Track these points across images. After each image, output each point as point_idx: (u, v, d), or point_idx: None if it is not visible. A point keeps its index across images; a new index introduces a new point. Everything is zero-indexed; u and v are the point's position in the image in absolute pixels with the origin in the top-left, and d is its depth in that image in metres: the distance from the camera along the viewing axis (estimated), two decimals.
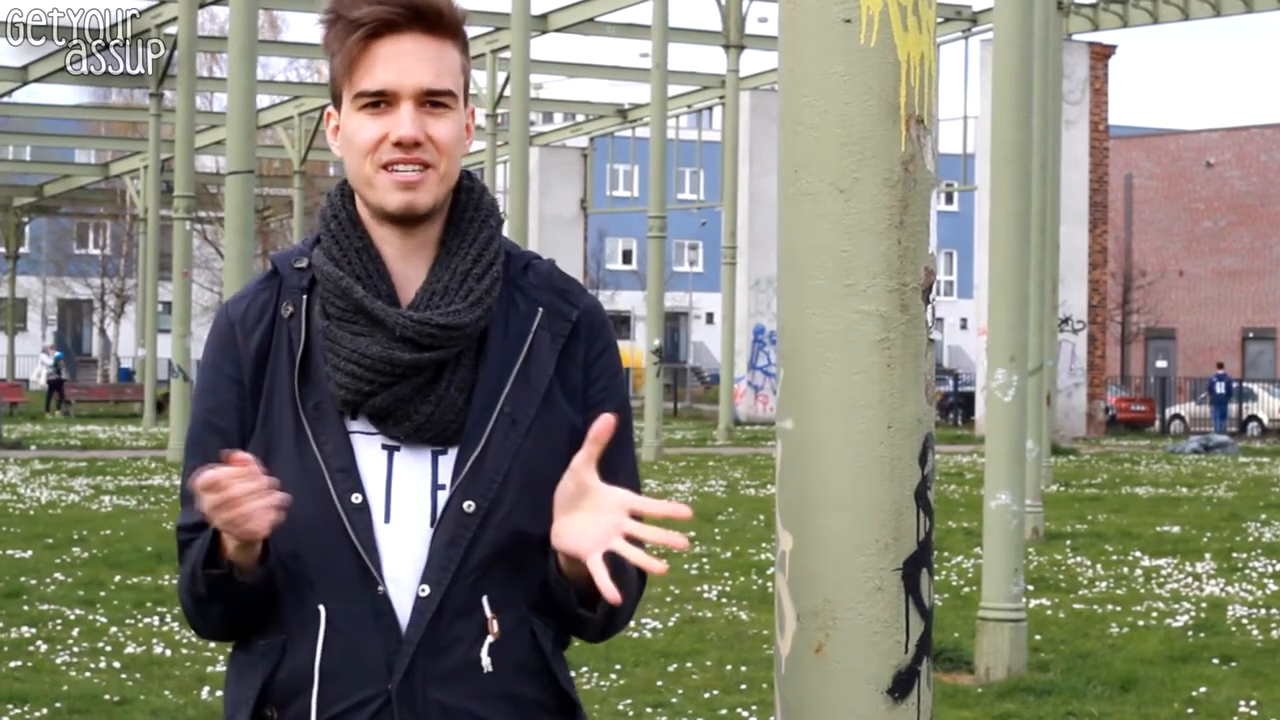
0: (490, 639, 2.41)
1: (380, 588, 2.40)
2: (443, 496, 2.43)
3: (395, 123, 2.42)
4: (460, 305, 2.44)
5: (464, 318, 2.43)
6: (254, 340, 2.49)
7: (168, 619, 11.26)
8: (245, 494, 2.29)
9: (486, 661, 2.41)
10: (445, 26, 2.44)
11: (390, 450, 2.45)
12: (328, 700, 2.40)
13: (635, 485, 2.53)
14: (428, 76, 2.43)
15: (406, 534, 2.42)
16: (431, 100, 2.44)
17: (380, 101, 2.43)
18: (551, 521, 2.44)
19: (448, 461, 2.44)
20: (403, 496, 2.44)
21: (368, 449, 2.45)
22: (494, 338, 2.48)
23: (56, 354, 48.40)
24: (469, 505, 2.42)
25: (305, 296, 2.49)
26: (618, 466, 2.50)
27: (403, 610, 2.40)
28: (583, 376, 2.51)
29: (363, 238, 2.49)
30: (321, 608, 2.41)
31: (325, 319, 2.46)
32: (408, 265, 2.49)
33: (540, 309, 2.50)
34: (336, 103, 2.50)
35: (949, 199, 68.66)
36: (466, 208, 2.52)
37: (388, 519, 2.43)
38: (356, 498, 2.42)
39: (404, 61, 2.42)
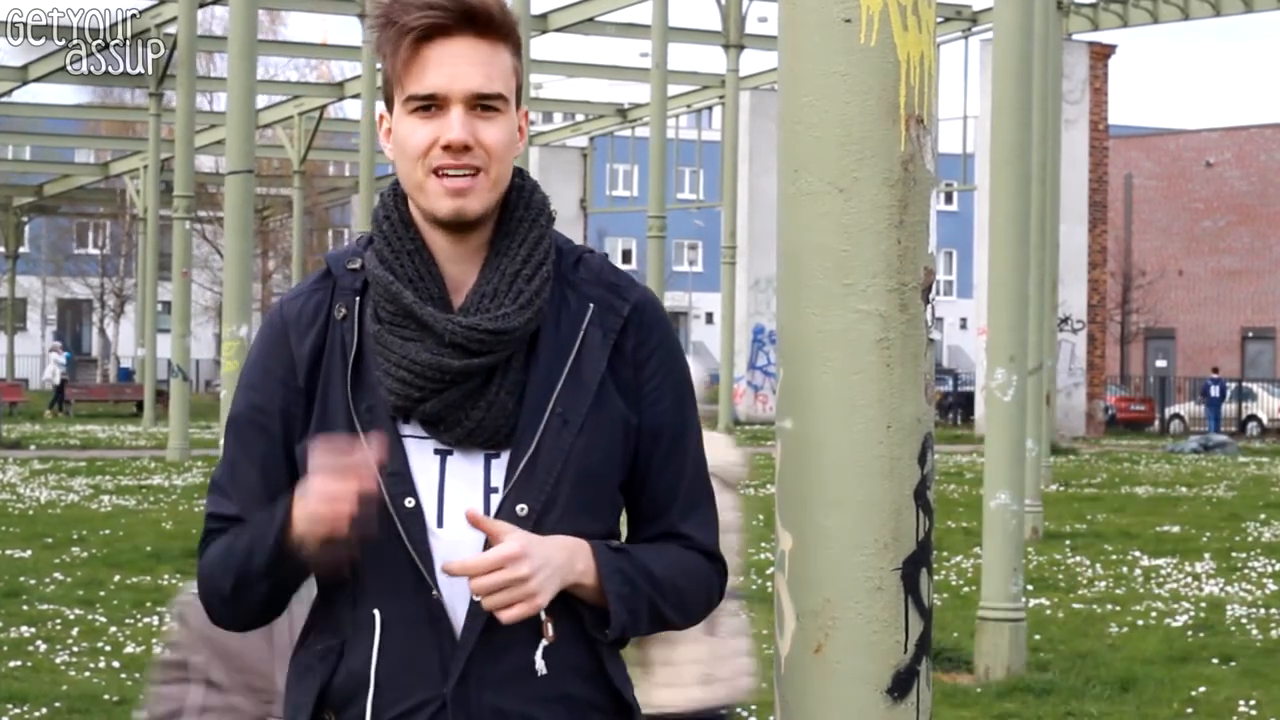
0: (545, 642, 2.40)
1: (434, 592, 2.39)
2: (495, 500, 2.42)
3: (445, 127, 2.40)
4: (509, 308, 2.42)
5: (513, 321, 2.41)
6: (308, 342, 2.48)
7: (167, 619, 11.26)
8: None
9: (541, 664, 2.40)
10: (496, 29, 2.42)
11: (443, 454, 2.44)
12: (383, 705, 2.40)
13: (700, 491, 2.53)
14: (478, 80, 2.41)
15: (459, 538, 2.40)
16: (482, 104, 2.42)
17: (431, 105, 2.41)
18: (608, 517, 2.46)
19: (500, 465, 2.43)
20: (455, 500, 2.42)
21: (420, 453, 2.43)
22: (545, 337, 2.45)
23: (66, 354, 48.33)
24: (522, 509, 2.40)
25: (358, 298, 2.48)
26: (675, 483, 2.50)
27: (457, 614, 2.40)
28: (634, 374, 2.48)
29: (415, 239, 2.47)
30: (376, 612, 2.41)
31: (376, 323, 2.45)
32: (459, 267, 2.47)
33: (591, 305, 2.48)
34: (389, 105, 2.48)
35: (949, 199, 68.64)
36: (517, 207, 2.49)
37: (440, 523, 2.42)
38: (409, 502, 2.41)
39: (455, 65, 2.40)
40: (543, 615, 2.39)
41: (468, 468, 2.43)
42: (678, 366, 2.54)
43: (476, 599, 2.37)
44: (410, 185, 2.45)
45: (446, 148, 2.40)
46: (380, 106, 2.55)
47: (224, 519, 2.50)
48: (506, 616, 2.32)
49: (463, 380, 2.40)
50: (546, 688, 2.41)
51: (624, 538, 2.54)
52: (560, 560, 2.36)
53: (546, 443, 2.41)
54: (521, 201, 2.50)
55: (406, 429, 2.44)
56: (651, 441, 2.49)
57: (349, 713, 2.43)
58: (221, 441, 2.61)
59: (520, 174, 2.51)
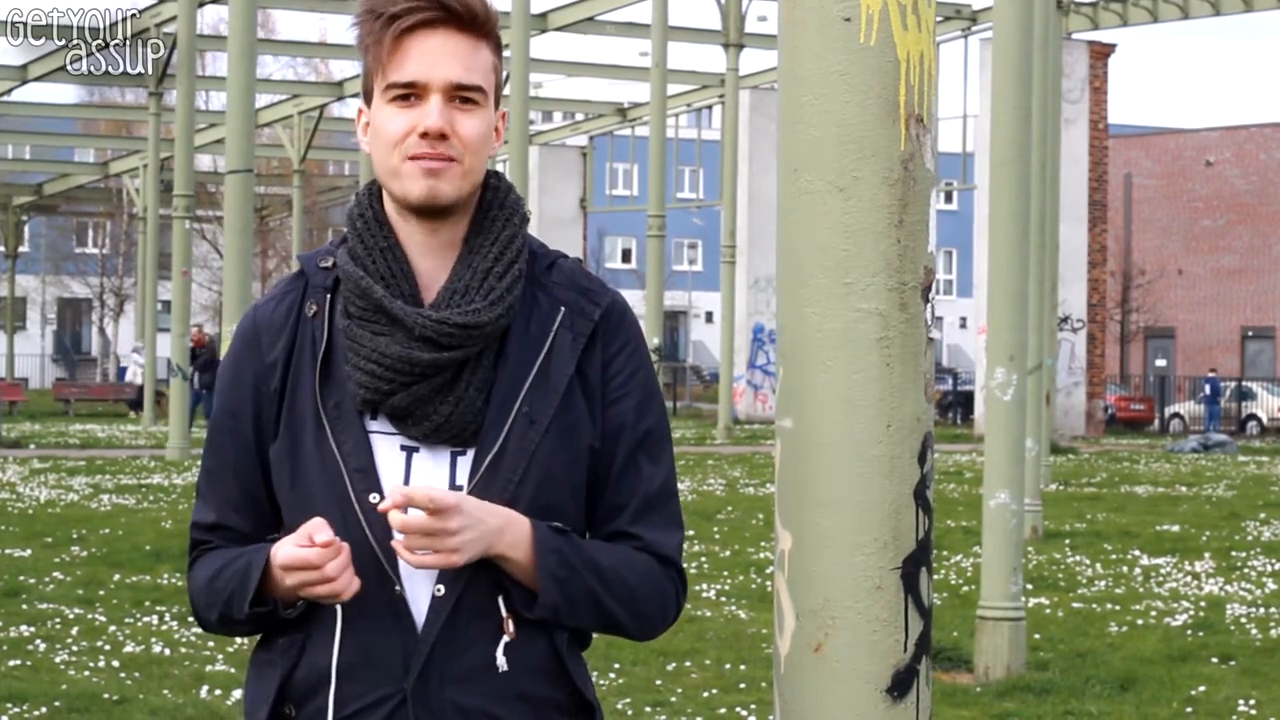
0: (506, 639, 2.42)
1: (397, 587, 2.41)
2: None
3: (423, 115, 2.43)
4: (480, 304, 2.44)
5: (483, 317, 2.43)
6: (280, 344, 2.50)
7: (167, 618, 11.26)
8: (338, 571, 2.34)
9: (502, 661, 2.42)
10: (479, 26, 2.46)
11: (409, 451, 2.46)
12: (344, 698, 2.42)
13: (661, 496, 2.52)
14: (457, 71, 2.44)
15: None
16: (461, 95, 2.44)
17: (410, 94, 2.44)
18: (571, 522, 2.46)
19: (466, 462, 2.44)
20: None
21: (387, 449, 2.45)
22: (515, 336, 2.47)
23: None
24: None
25: (329, 296, 2.51)
26: (634, 484, 2.49)
27: (419, 610, 2.42)
28: (601, 372, 2.50)
29: (388, 237, 2.49)
30: (338, 607, 2.42)
31: (346, 318, 2.47)
32: (432, 263, 2.49)
33: (563, 308, 2.50)
34: (367, 99, 2.51)
35: (949, 198, 68.65)
36: (491, 206, 2.52)
37: None
38: (374, 497, 2.42)
39: (436, 56, 2.43)
40: (503, 612, 2.41)
41: (433, 465, 2.45)
42: (644, 368, 2.55)
43: (439, 594, 2.40)
44: (385, 172, 2.47)
45: (424, 135, 2.42)
46: (359, 103, 2.57)
47: (205, 528, 2.56)
48: (415, 560, 2.34)
49: (432, 374, 2.42)
50: (508, 685, 2.42)
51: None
52: (490, 526, 2.37)
53: (512, 442, 2.43)
54: (496, 201, 2.53)
55: (374, 425, 2.46)
56: (614, 437, 2.50)
57: (310, 706, 2.45)
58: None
59: (495, 175, 2.55)
